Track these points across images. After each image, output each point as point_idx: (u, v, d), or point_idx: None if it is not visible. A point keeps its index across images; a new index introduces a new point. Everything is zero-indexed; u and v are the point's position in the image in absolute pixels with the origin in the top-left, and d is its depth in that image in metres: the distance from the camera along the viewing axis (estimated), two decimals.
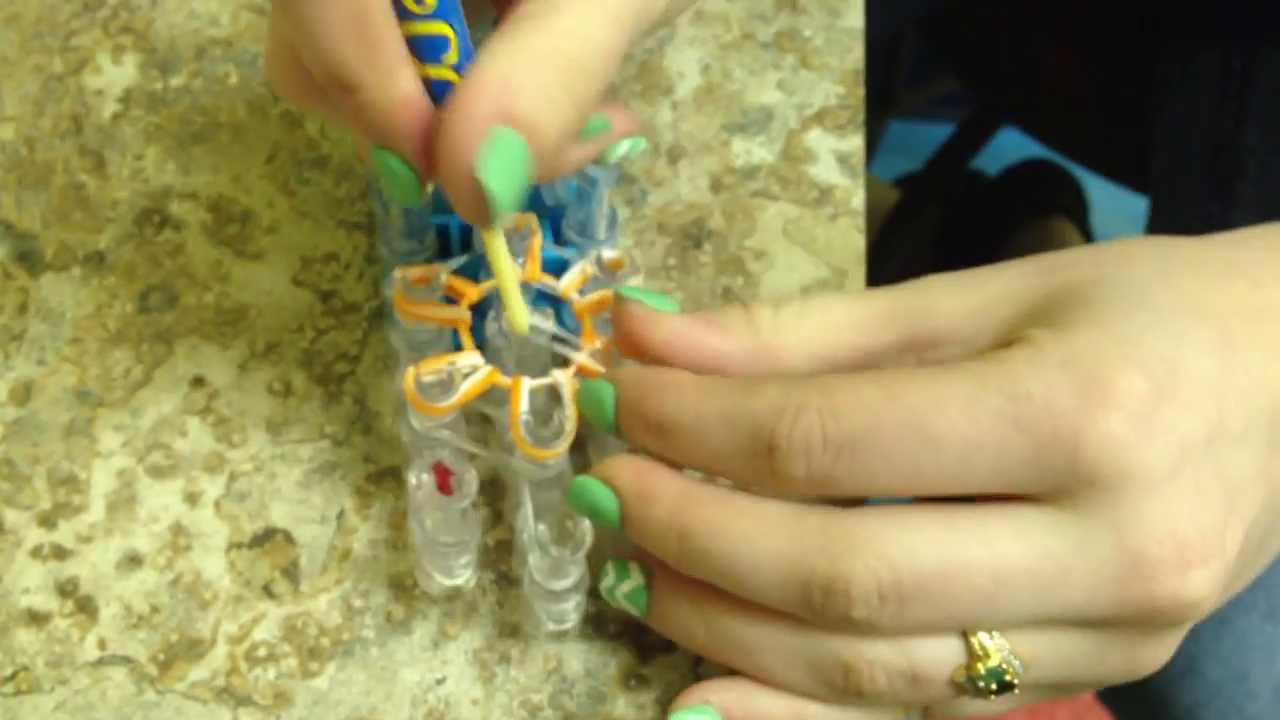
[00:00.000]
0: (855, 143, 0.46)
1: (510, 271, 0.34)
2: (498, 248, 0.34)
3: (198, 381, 0.42)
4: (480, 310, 0.38)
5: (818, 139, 0.46)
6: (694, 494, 0.33)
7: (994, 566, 0.30)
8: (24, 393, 0.42)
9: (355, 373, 0.42)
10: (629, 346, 0.35)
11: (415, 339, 0.37)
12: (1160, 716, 0.57)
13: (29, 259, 0.44)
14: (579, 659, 0.38)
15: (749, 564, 0.32)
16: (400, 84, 0.31)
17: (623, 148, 0.36)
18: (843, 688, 0.32)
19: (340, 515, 0.40)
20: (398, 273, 0.37)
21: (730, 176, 0.45)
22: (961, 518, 0.31)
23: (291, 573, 0.39)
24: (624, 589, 0.36)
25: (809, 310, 0.34)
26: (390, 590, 0.39)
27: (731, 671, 0.35)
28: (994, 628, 0.31)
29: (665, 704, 0.38)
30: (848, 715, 0.34)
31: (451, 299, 0.37)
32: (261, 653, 0.38)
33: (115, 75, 0.47)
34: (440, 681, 0.38)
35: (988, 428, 0.30)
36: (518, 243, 0.38)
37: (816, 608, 0.31)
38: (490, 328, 0.37)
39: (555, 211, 0.40)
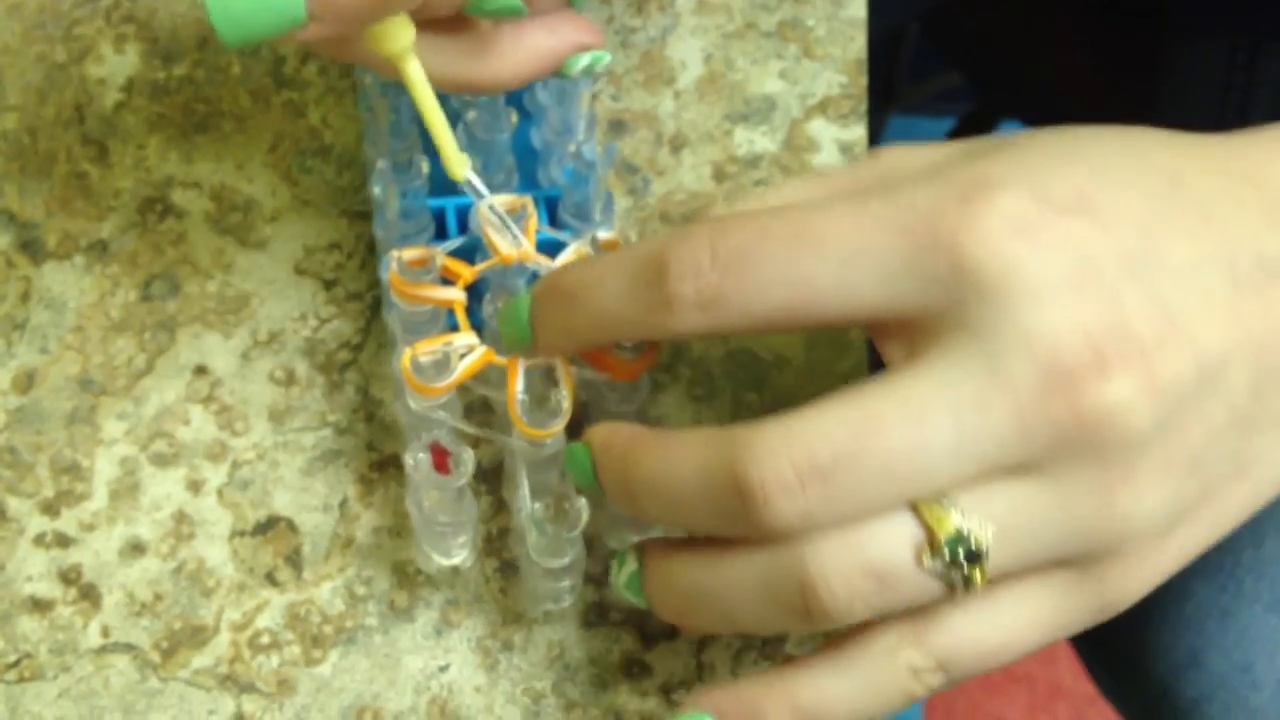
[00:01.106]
0: (858, 132, 0.46)
1: (436, 110, 0.34)
2: (417, 82, 0.34)
3: (200, 370, 0.42)
4: (477, 291, 0.38)
5: (820, 128, 0.46)
6: (639, 435, 0.33)
7: (907, 414, 0.29)
8: (27, 381, 0.42)
9: (358, 361, 0.42)
10: None
11: (412, 321, 0.37)
12: (1163, 709, 0.57)
13: (32, 248, 0.44)
14: (581, 647, 0.38)
15: (674, 488, 0.31)
16: None
17: (583, 61, 0.36)
18: (806, 611, 0.30)
19: (343, 503, 0.40)
20: (393, 254, 0.37)
21: (733, 166, 0.45)
22: (865, 386, 0.30)
23: (294, 560, 0.39)
24: (622, 579, 0.35)
25: (764, 197, 0.35)
26: (393, 578, 0.39)
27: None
28: (935, 490, 0.29)
29: (667, 691, 0.38)
30: (839, 683, 0.32)
31: (448, 280, 0.37)
32: (265, 640, 0.38)
33: (118, 64, 0.47)
34: (443, 669, 0.38)
35: (869, 229, 0.29)
36: (513, 224, 0.38)
37: (740, 516, 0.29)
38: (487, 309, 0.38)
39: (551, 195, 0.40)
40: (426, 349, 0.35)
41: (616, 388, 0.37)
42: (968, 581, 0.30)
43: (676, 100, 0.46)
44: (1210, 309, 0.30)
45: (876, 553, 0.29)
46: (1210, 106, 0.62)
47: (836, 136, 0.46)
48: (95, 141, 0.46)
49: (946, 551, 0.29)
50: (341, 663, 0.38)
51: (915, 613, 0.31)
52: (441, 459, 0.35)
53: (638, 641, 0.38)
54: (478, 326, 0.38)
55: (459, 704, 0.37)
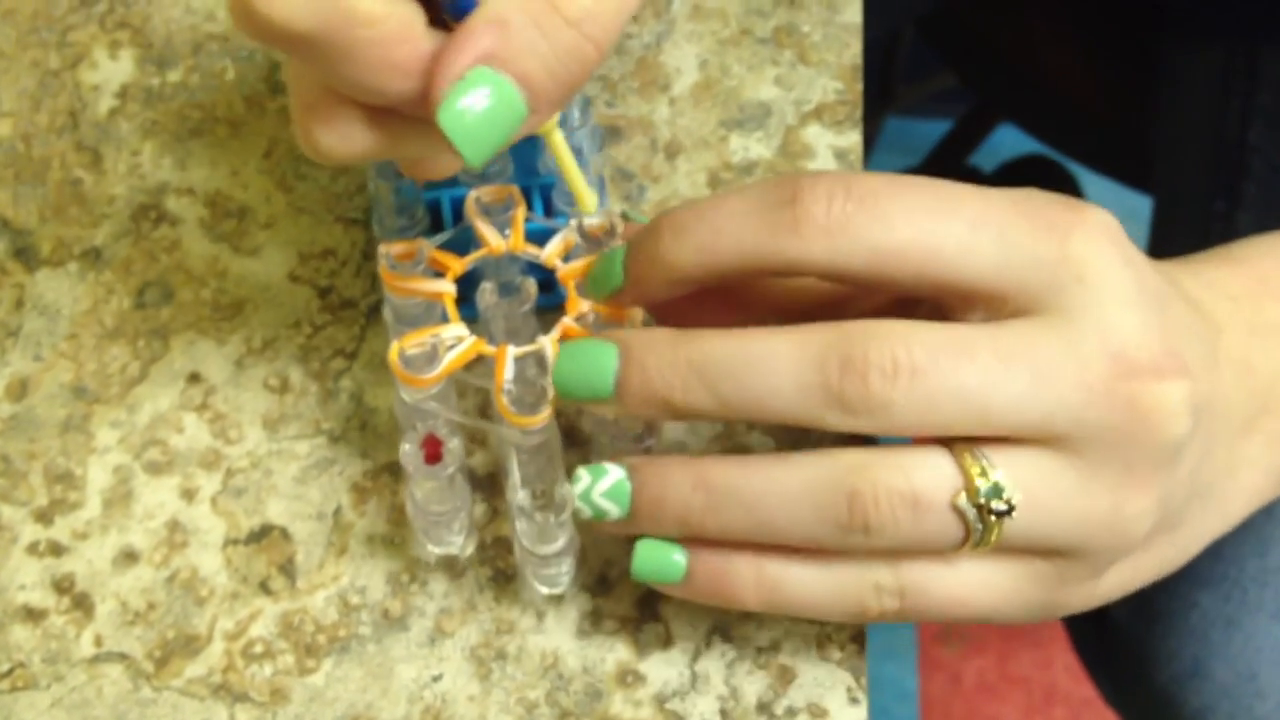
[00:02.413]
0: (853, 139, 0.46)
1: (575, 165, 0.36)
2: (560, 146, 0.35)
3: (194, 377, 0.42)
4: (472, 281, 0.38)
5: (816, 135, 0.46)
6: (689, 331, 0.33)
7: (997, 350, 0.32)
8: (20, 389, 0.42)
9: (352, 369, 0.42)
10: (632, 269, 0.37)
11: (406, 313, 0.38)
12: (1168, 718, 0.57)
13: (25, 254, 0.44)
14: (575, 656, 0.38)
15: (765, 366, 0.32)
16: None
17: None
18: (847, 521, 0.32)
19: (337, 511, 0.40)
20: (382, 248, 0.37)
21: (728, 172, 0.45)
22: (963, 323, 0.33)
23: (288, 569, 0.39)
24: (603, 486, 0.34)
25: None
26: (387, 587, 0.39)
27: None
28: (993, 426, 0.32)
29: (662, 701, 0.38)
30: (809, 572, 0.34)
31: (439, 273, 0.38)
32: (258, 649, 0.38)
33: (112, 70, 0.47)
34: (437, 678, 0.38)
35: (996, 207, 0.33)
36: (501, 214, 0.38)
37: (834, 384, 0.32)
38: (485, 298, 0.38)
39: (545, 183, 0.40)
40: (414, 341, 0.36)
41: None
42: (984, 535, 0.33)
43: (671, 107, 0.46)
44: (1205, 356, 0.34)
45: (920, 482, 0.32)
46: (1211, 109, 0.62)
47: (832, 143, 0.46)
48: (89, 148, 0.46)
49: (982, 497, 0.32)
50: (335, 672, 0.38)
51: (892, 554, 0.34)
52: (433, 449, 0.35)
53: (632, 650, 0.38)
54: (473, 317, 0.38)
55: (452, 713, 0.37)
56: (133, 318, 0.43)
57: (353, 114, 0.32)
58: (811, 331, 0.32)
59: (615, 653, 0.38)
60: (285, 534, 0.40)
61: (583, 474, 0.35)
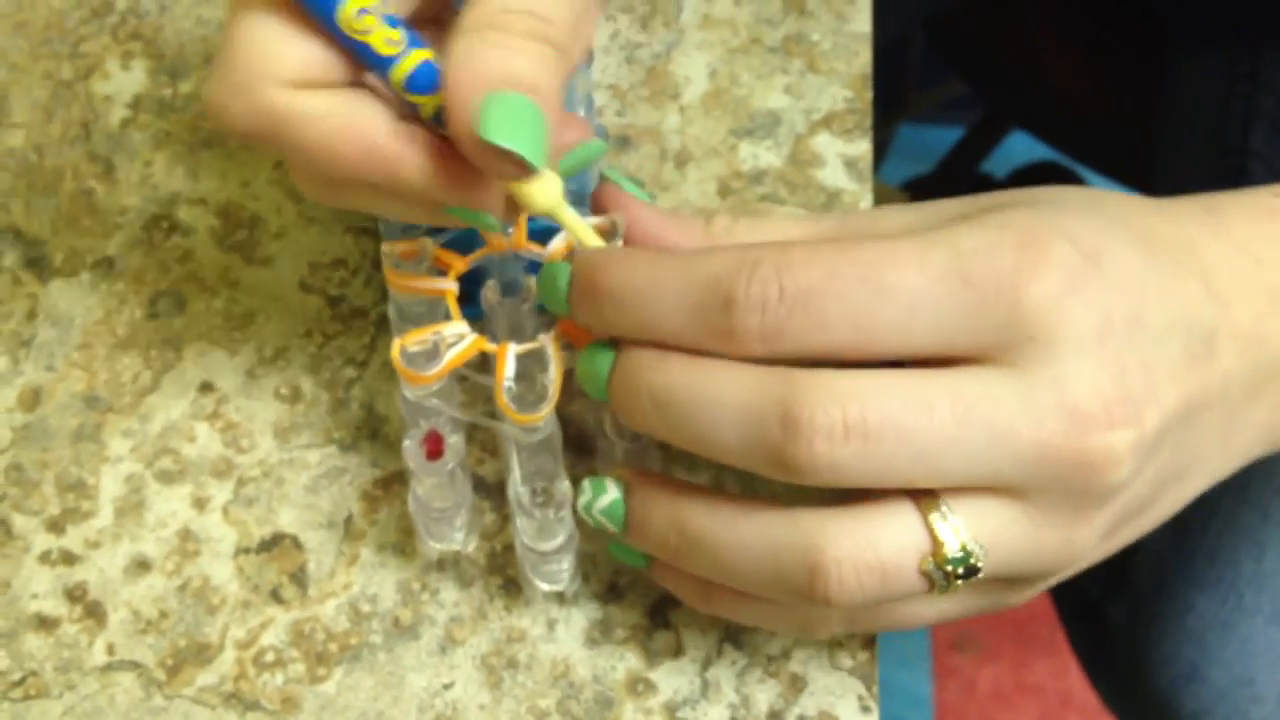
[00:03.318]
0: (863, 147, 0.46)
1: (585, 230, 0.35)
2: (577, 226, 0.34)
3: (206, 387, 0.42)
4: (476, 279, 0.38)
5: (825, 143, 0.46)
6: (667, 354, 0.33)
7: (955, 409, 0.31)
8: (33, 398, 0.42)
9: (363, 378, 0.42)
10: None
11: (410, 312, 0.38)
12: None
13: (38, 265, 0.44)
14: (586, 664, 0.38)
15: (714, 408, 0.32)
16: (429, 157, 0.32)
17: (574, 157, 0.36)
18: (809, 593, 0.32)
19: (348, 520, 0.40)
20: (386, 247, 0.37)
21: (738, 181, 0.45)
22: (921, 371, 0.32)
23: (299, 578, 0.39)
24: (602, 504, 0.35)
25: (763, 226, 0.35)
26: (398, 595, 0.39)
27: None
28: (949, 480, 0.31)
29: (672, 709, 0.38)
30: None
31: (442, 271, 0.38)
32: (269, 658, 0.38)
33: (124, 81, 0.48)
34: (448, 687, 0.38)
35: (936, 280, 0.31)
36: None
37: (775, 444, 0.31)
38: (489, 296, 0.38)
39: None
40: (416, 338, 0.36)
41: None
42: (948, 589, 0.32)
43: (681, 115, 0.46)
44: (1173, 372, 0.33)
45: (888, 552, 0.32)
46: (1213, 114, 0.62)
47: (841, 151, 0.46)
48: (101, 158, 0.46)
49: (950, 565, 0.32)
50: (346, 680, 0.38)
51: None
52: (434, 446, 0.36)
53: (642, 659, 0.38)
54: (476, 316, 0.38)
55: None
56: (145, 327, 0.43)
57: (322, 180, 0.34)
58: (762, 382, 0.31)
59: (626, 661, 0.38)
60: (296, 543, 0.40)
61: (585, 486, 0.35)
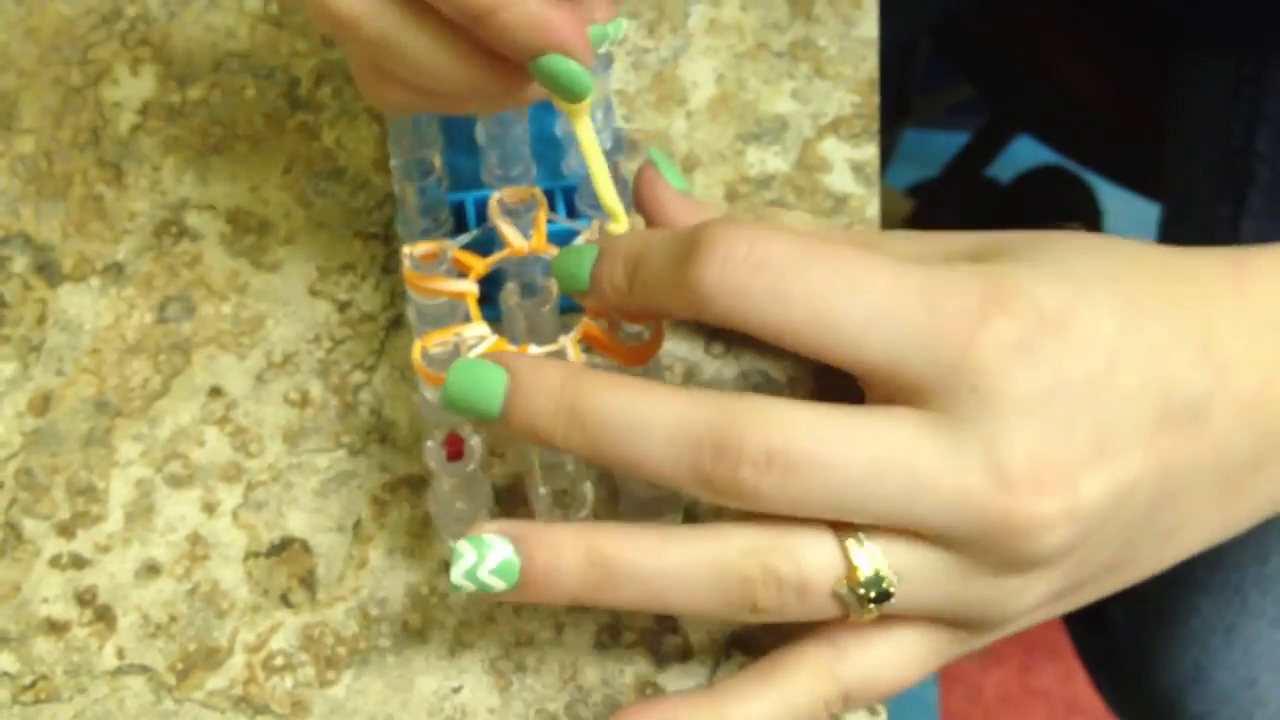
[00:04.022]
0: (870, 152, 0.46)
1: (602, 162, 0.36)
2: (587, 139, 0.36)
3: (215, 391, 0.42)
4: (496, 281, 0.38)
5: (832, 148, 0.46)
6: (584, 373, 0.33)
7: (875, 452, 0.31)
8: (43, 403, 0.42)
9: (371, 382, 0.42)
10: (638, 198, 0.38)
11: (430, 314, 0.38)
12: None
13: (48, 270, 0.44)
14: (595, 668, 0.38)
15: (644, 430, 0.32)
16: None
17: (606, 34, 0.36)
18: (739, 602, 0.33)
19: (357, 524, 0.40)
20: (406, 249, 0.37)
21: (745, 186, 0.45)
22: (851, 409, 0.32)
23: (309, 582, 0.39)
24: (490, 563, 0.33)
25: None
26: (407, 599, 0.39)
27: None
28: (866, 518, 0.32)
29: None
30: (764, 706, 0.34)
31: (462, 274, 0.38)
32: (279, 662, 0.38)
33: (133, 87, 0.48)
34: (457, 690, 0.38)
35: (904, 296, 0.31)
36: (523, 216, 0.38)
37: (705, 469, 0.31)
38: (509, 298, 0.38)
39: (569, 185, 0.41)
40: (437, 340, 0.36)
41: None
42: (861, 615, 0.33)
43: (688, 120, 0.47)
44: (1139, 437, 0.32)
45: (809, 568, 0.33)
46: (1219, 117, 0.62)
47: (849, 156, 0.46)
48: (111, 164, 0.46)
49: (861, 588, 0.32)
50: (355, 684, 0.38)
51: (829, 650, 0.35)
52: (455, 447, 0.36)
53: (650, 663, 0.38)
54: (496, 317, 0.38)
55: None
56: (154, 332, 0.43)
57: (392, 81, 0.36)
58: (697, 405, 0.32)
59: (634, 665, 0.38)
60: (306, 547, 0.40)
61: (465, 549, 0.33)
